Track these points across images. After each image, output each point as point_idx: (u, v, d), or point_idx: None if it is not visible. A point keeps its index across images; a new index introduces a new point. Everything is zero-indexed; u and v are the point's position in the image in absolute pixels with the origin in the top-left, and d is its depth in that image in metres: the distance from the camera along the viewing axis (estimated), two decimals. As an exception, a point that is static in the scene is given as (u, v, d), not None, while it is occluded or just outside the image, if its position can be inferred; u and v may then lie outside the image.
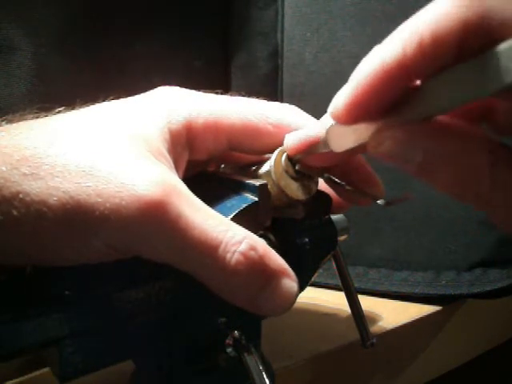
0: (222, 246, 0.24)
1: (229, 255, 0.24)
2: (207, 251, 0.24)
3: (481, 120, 0.24)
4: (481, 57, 0.19)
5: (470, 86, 0.20)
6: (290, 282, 0.26)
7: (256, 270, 0.25)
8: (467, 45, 0.20)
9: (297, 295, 0.26)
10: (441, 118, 0.22)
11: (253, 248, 0.25)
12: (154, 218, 0.23)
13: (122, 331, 0.26)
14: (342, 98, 0.23)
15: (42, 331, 0.23)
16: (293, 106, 0.31)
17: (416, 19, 0.21)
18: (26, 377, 0.34)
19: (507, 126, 0.23)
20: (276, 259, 0.25)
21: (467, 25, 0.20)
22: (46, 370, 0.34)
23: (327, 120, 0.26)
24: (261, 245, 0.25)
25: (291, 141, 0.28)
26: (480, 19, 0.20)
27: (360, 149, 0.25)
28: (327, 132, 0.26)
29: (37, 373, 0.34)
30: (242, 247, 0.24)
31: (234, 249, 0.24)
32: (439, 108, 0.21)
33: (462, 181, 0.22)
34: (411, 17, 0.22)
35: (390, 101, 0.22)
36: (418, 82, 0.22)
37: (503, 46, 0.18)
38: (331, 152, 0.26)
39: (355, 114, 0.23)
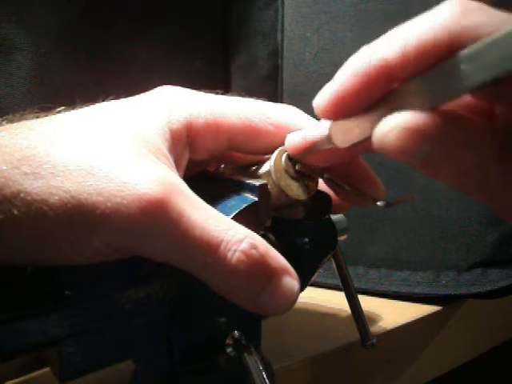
0: (223, 245, 0.24)
1: (230, 254, 0.24)
2: (208, 250, 0.24)
3: (488, 111, 0.24)
4: (473, 48, 0.20)
5: (463, 77, 0.20)
6: (292, 281, 0.26)
7: (257, 268, 0.25)
8: (450, 50, 0.21)
9: (298, 294, 0.26)
10: (446, 108, 0.22)
11: (254, 247, 0.25)
12: (155, 217, 0.23)
13: (122, 331, 0.26)
14: (325, 95, 0.24)
15: (42, 331, 0.23)
16: (293, 107, 0.31)
17: (405, 28, 0.22)
18: (25, 377, 0.34)
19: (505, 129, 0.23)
20: (277, 258, 0.25)
21: (452, 37, 0.21)
22: (46, 370, 0.34)
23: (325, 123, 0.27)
24: (262, 243, 0.25)
25: (292, 141, 0.28)
26: (467, 32, 0.20)
27: (363, 145, 0.25)
28: (330, 128, 0.26)
29: (37, 373, 0.34)
30: (243, 246, 0.24)
31: (234, 248, 0.24)
32: (441, 98, 0.21)
33: (468, 172, 0.21)
34: (411, 17, 0.22)
35: (372, 99, 0.23)
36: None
37: (474, 47, 0.19)
38: (333, 150, 0.26)
39: (338, 111, 0.24)
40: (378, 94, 0.23)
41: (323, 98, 0.24)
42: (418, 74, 0.22)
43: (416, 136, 0.21)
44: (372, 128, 0.23)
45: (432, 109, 0.21)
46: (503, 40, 0.18)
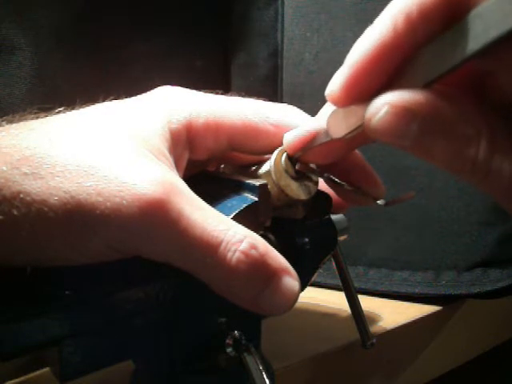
0: (223, 245, 0.24)
1: (229, 254, 0.24)
2: (208, 250, 0.24)
3: (479, 90, 0.24)
4: (463, 21, 0.20)
5: (454, 50, 0.20)
6: (292, 281, 0.25)
7: (257, 268, 0.25)
8: (452, 13, 0.21)
9: (298, 294, 0.26)
10: (437, 87, 0.22)
11: (254, 247, 0.25)
12: (155, 217, 0.23)
13: (122, 331, 0.26)
14: (338, 80, 0.24)
15: (42, 331, 0.23)
16: (293, 107, 0.31)
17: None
18: (25, 377, 0.34)
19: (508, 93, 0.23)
20: (277, 258, 0.25)
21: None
22: (46, 369, 0.34)
23: (324, 111, 0.27)
24: (262, 243, 0.25)
25: (290, 138, 0.28)
26: None
27: (359, 137, 0.25)
28: (327, 120, 0.26)
29: (37, 373, 0.34)
30: (243, 246, 0.24)
31: (234, 248, 0.24)
32: (430, 75, 0.21)
33: (459, 149, 0.21)
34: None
35: (384, 78, 0.23)
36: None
37: (477, 10, 0.20)
38: (330, 146, 0.26)
39: (352, 94, 0.23)
40: (391, 69, 0.23)
41: (335, 84, 0.24)
42: (427, 42, 0.22)
43: (404, 114, 0.21)
44: (364, 116, 0.23)
45: (423, 87, 0.21)
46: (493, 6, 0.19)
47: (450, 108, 0.22)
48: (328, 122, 0.26)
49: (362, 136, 0.25)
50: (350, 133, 0.25)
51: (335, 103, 0.25)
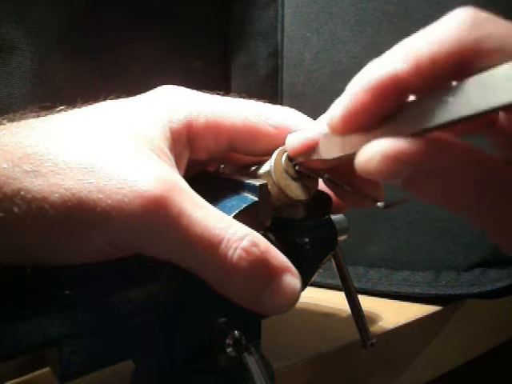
0: (224, 243, 0.24)
1: (231, 251, 0.24)
2: (209, 248, 0.24)
3: (480, 131, 0.24)
4: (479, 77, 0.19)
5: (468, 103, 0.20)
6: (293, 279, 0.25)
7: (258, 266, 0.25)
8: (463, 65, 0.21)
9: (300, 293, 0.26)
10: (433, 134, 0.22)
11: (255, 245, 0.25)
12: (156, 214, 0.23)
13: (122, 331, 0.26)
14: (337, 110, 0.23)
15: (42, 331, 0.23)
16: (293, 109, 0.31)
17: (416, 39, 0.22)
18: (26, 377, 0.34)
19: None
20: (278, 256, 0.25)
21: (465, 49, 0.20)
22: (46, 370, 0.34)
23: (324, 123, 0.27)
24: (263, 242, 0.25)
25: (293, 142, 0.28)
26: (478, 43, 0.20)
27: (348, 159, 0.25)
28: (320, 141, 0.26)
29: (37, 373, 0.34)
30: (244, 244, 0.24)
31: (235, 245, 0.24)
32: (434, 124, 0.21)
33: (452, 193, 0.22)
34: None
35: (385, 114, 0.22)
36: (412, 98, 0.22)
37: (503, 68, 0.19)
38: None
39: (350, 126, 0.23)
40: (393, 107, 0.22)
41: (334, 114, 0.23)
42: (428, 88, 0.21)
43: (394, 162, 0.21)
44: (356, 146, 0.23)
45: (417, 134, 0.21)
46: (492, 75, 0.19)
47: (441, 156, 0.21)
48: (321, 142, 0.26)
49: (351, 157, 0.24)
50: (340, 158, 0.25)
51: (335, 132, 0.24)
